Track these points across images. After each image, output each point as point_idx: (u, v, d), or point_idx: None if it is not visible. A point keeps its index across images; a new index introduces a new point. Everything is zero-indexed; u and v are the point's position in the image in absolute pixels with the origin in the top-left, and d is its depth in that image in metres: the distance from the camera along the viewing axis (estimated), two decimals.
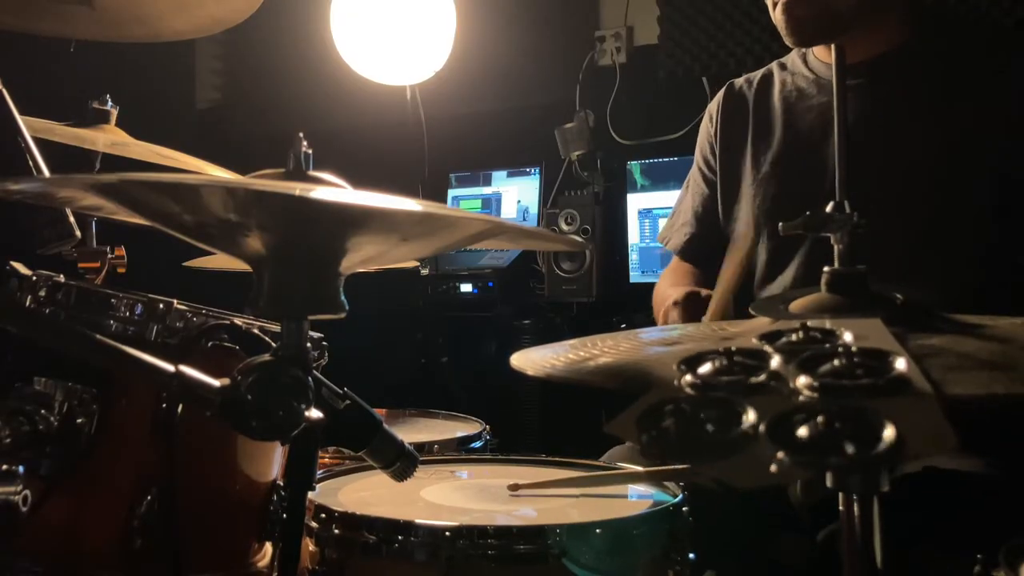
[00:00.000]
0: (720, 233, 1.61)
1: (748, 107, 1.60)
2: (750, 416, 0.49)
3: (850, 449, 0.46)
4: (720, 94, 1.67)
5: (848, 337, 0.57)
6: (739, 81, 1.66)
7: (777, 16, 1.42)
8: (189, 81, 4.03)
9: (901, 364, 0.52)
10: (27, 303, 0.94)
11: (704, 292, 1.37)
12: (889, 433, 0.46)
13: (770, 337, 0.58)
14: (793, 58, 1.60)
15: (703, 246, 1.66)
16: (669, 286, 1.64)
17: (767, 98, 1.58)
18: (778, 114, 1.55)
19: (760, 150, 1.55)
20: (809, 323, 0.60)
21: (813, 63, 1.54)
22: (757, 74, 1.64)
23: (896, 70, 1.43)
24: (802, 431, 0.47)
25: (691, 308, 1.38)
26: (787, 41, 1.45)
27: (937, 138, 1.38)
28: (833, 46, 0.79)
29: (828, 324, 0.60)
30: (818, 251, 1.45)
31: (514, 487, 1.06)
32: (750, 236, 1.34)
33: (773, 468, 0.46)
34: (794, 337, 0.58)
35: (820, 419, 0.48)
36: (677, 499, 0.99)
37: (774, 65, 1.63)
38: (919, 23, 1.46)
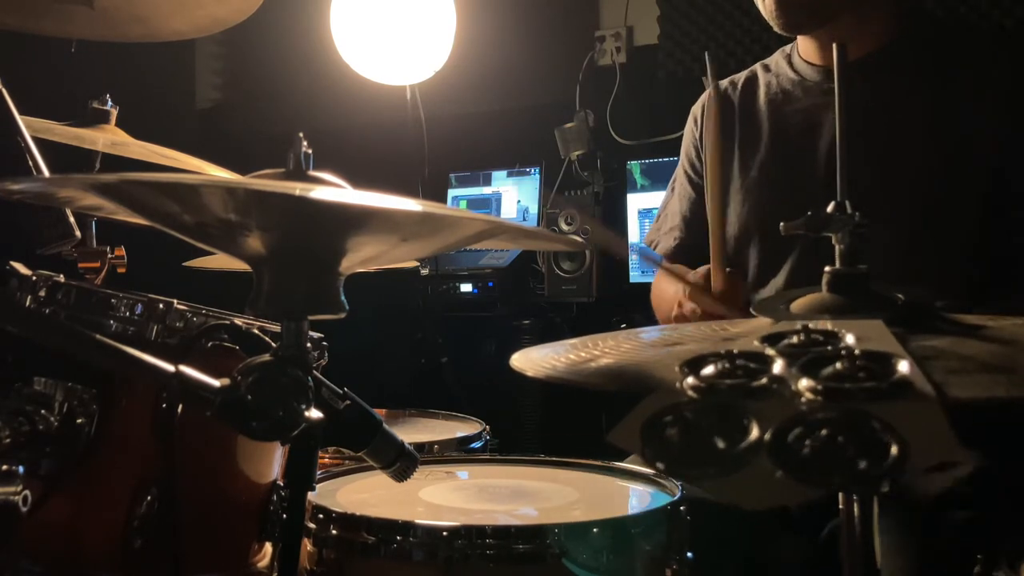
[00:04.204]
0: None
1: (734, 110, 1.59)
2: (754, 431, 0.49)
3: (856, 466, 0.46)
4: (704, 96, 1.66)
5: (850, 339, 0.57)
6: (723, 83, 1.64)
7: (767, 2, 1.41)
8: (189, 81, 4.03)
9: (904, 367, 0.52)
10: (27, 303, 0.94)
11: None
12: (894, 449, 0.46)
13: (772, 339, 0.58)
14: (777, 60, 1.59)
15: (693, 250, 1.65)
16: (671, 283, 1.64)
17: (753, 101, 1.58)
18: (764, 117, 1.55)
19: (747, 154, 1.54)
20: (811, 325, 0.59)
21: (798, 64, 1.53)
22: (741, 76, 1.63)
23: (886, 68, 1.42)
24: (806, 450, 0.47)
25: (705, 282, 1.37)
26: (776, 27, 1.43)
27: (929, 136, 1.38)
28: (834, 45, 0.79)
29: (830, 326, 0.59)
30: (809, 254, 1.45)
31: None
32: (716, 220, 1.32)
33: (777, 487, 0.46)
34: (796, 339, 0.58)
35: (824, 432, 0.47)
36: (675, 498, 0.99)
37: (758, 67, 1.62)
38: (906, 20, 1.46)
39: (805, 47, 1.52)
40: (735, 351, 0.56)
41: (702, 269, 1.40)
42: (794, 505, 1.30)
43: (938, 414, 0.48)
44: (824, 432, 0.47)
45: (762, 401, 0.51)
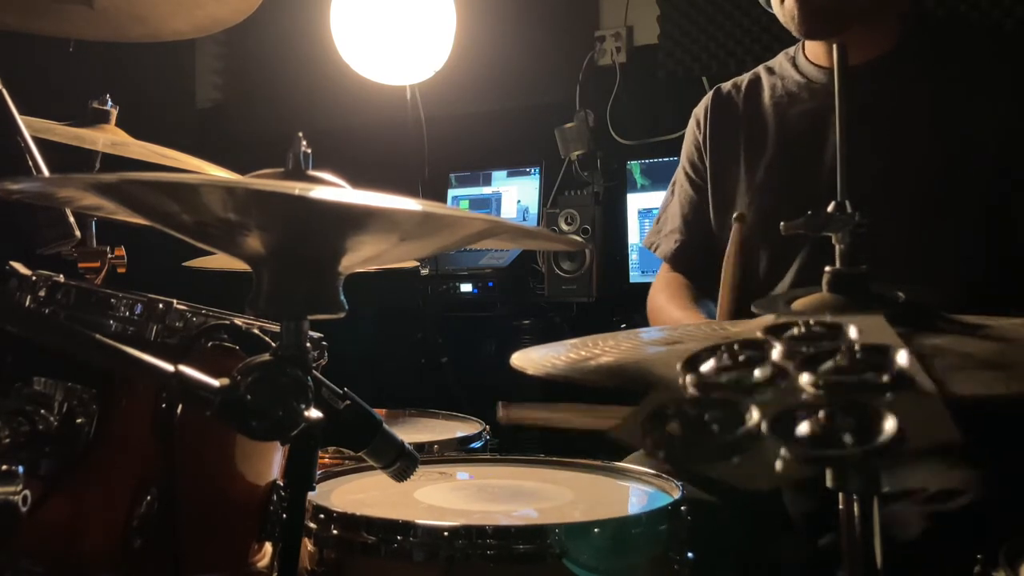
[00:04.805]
0: (710, 239, 1.61)
1: (738, 112, 1.59)
2: (753, 416, 0.49)
3: (852, 443, 0.46)
4: (707, 99, 1.66)
5: (852, 332, 0.57)
6: (726, 86, 1.65)
7: (788, 5, 1.40)
8: (189, 81, 4.03)
9: (903, 360, 0.52)
10: (27, 303, 0.94)
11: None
12: (890, 426, 0.46)
13: (772, 332, 0.58)
14: (781, 61, 1.59)
15: (694, 253, 1.65)
16: (669, 303, 1.64)
17: (757, 103, 1.57)
18: (770, 120, 1.54)
19: (753, 157, 1.54)
20: (811, 319, 0.59)
21: (803, 66, 1.53)
22: (744, 78, 1.63)
23: (891, 71, 1.42)
24: (804, 427, 0.47)
25: None
26: (795, 32, 1.43)
27: (932, 136, 1.38)
28: (834, 46, 0.79)
29: (830, 319, 0.59)
30: (816, 257, 1.45)
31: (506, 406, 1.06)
32: (737, 232, 1.33)
33: (777, 466, 0.46)
34: (796, 332, 0.58)
35: (822, 414, 0.47)
36: (676, 498, 0.99)
37: (760, 69, 1.62)
38: (910, 22, 1.46)
39: (812, 49, 1.52)
40: (735, 344, 0.56)
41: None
42: (792, 506, 1.31)
43: (938, 407, 0.48)
44: (822, 415, 0.48)
45: (762, 395, 0.51)
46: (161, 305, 0.96)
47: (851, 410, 0.48)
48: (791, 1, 1.38)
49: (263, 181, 0.75)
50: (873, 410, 0.47)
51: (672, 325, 1.52)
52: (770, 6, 1.46)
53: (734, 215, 1.32)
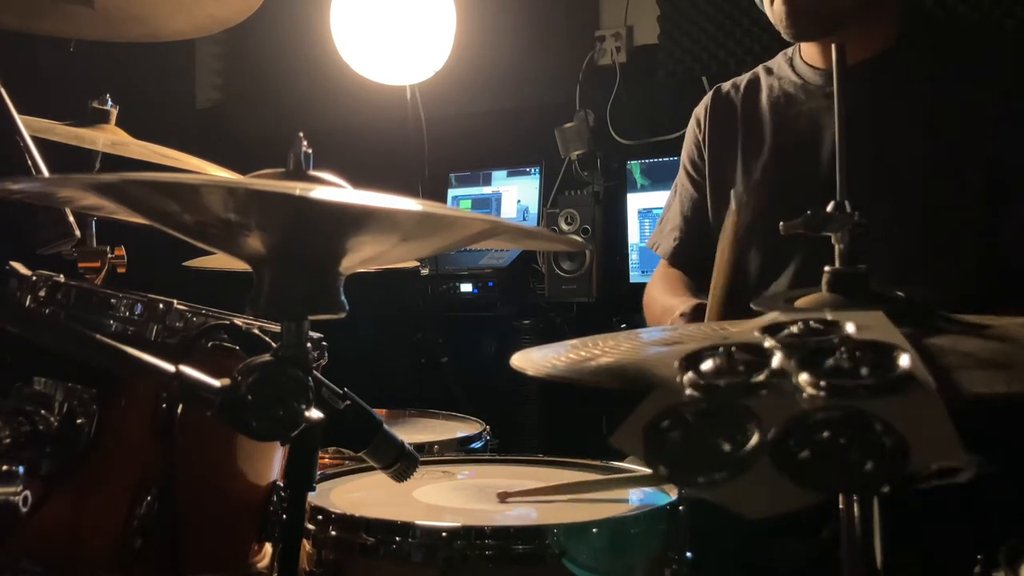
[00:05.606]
0: (709, 237, 1.61)
1: (736, 113, 1.60)
2: (755, 434, 0.48)
3: (858, 469, 0.46)
4: (707, 98, 1.67)
5: (850, 328, 0.56)
6: (726, 85, 1.66)
7: (776, 8, 1.41)
8: (189, 81, 4.03)
9: (905, 360, 0.52)
10: (27, 303, 0.94)
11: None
12: (895, 446, 0.46)
13: (771, 331, 0.58)
14: (779, 62, 1.59)
15: (692, 250, 1.66)
16: (663, 293, 1.64)
17: (755, 104, 1.58)
18: (767, 121, 1.55)
19: (750, 157, 1.55)
20: (812, 318, 0.59)
21: (800, 67, 1.54)
22: (743, 78, 1.64)
23: (887, 71, 1.43)
24: (807, 454, 0.47)
25: (699, 319, 1.39)
26: (785, 35, 1.44)
27: (930, 136, 1.38)
28: (833, 46, 0.79)
29: (829, 316, 0.59)
30: (813, 258, 1.45)
31: (503, 496, 1.05)
32: (732, 223, 1.33)
33: (779, 493, 0.46)
34: (795, 329, 0.57)
35: (825, 435, 0.47)
36: (674, 498, 0.99)
37: (760, 69, 1.63)
38: (907, 22, 1.46)
39: (808, 50, 1.52)
40: (733, 345, 0.56)
41: (691, 305, 1.42)
42: (796, 512, 1.31)
43: (940, 409, 0.48)
44: (825, 435, 0.47)
45: (762, 398, 0.51)
46: (161, 305, 0.96)
47: (854, 429, 0.47)
48: (779, 4, 1.39)
49: (264, 181, 0.75)
50: (876, 430, 0.47)
51: (666, 310, 1.52)
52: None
53: (729, 208, 1.30)
